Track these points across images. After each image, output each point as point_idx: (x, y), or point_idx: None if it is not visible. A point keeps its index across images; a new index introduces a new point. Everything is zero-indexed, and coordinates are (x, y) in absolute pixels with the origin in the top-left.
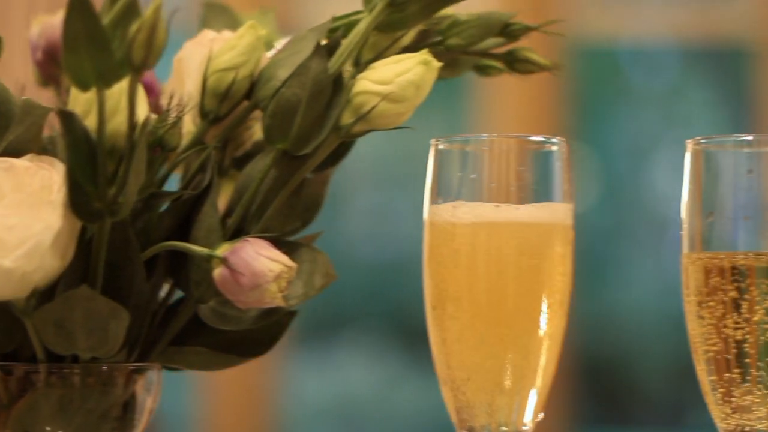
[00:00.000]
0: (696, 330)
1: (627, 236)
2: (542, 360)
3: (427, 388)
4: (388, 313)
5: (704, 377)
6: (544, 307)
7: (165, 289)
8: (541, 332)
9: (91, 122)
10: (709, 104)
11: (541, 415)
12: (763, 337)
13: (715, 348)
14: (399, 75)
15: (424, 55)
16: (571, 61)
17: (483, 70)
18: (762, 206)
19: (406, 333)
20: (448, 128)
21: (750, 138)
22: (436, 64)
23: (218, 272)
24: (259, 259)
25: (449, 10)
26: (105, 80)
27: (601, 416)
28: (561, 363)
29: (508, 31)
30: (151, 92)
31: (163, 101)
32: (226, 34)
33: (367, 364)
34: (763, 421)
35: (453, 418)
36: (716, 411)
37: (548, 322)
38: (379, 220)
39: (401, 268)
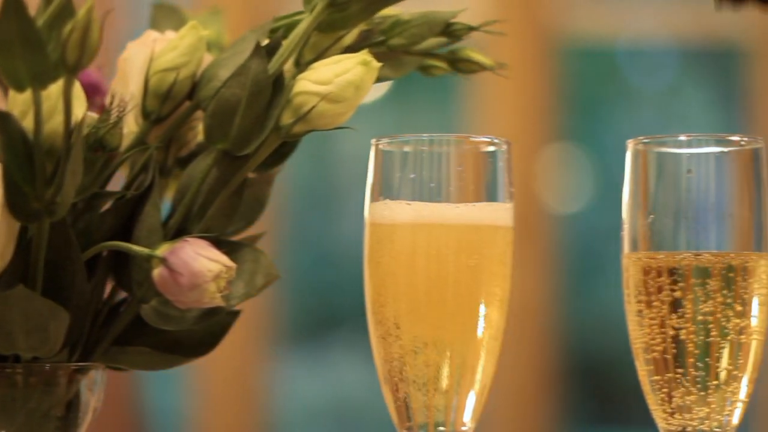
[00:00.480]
0: (636, 330)
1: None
2: (481, 361)
3: None
4: None
5: (645, 378)
6: (483, 307)
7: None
8: (480, 333)
9: (29, 123)
10: (705, 104)
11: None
12: (701, 337)
13: (654, 348)
14: (338, 75)
15: (363, 55)
16: (567, 61)
17: (427, 70)
18: (700, 206)
19: None
20: (442, 128)
21: (689, 138)
22: (376, 65)
23: (158, 272)
24: (198, 259)
25: (392, 10)
26: (40, 81)
27: (595, 416)
28: (558, 363)
29: (450, 30)
30: (99, 92)
31: (108, 101)
32: (170, 34)
33: (360, 364)
34: (705, 421)
35: (393, 418)
36: (658, 411)
37: (487, 322)
38: None
39: None
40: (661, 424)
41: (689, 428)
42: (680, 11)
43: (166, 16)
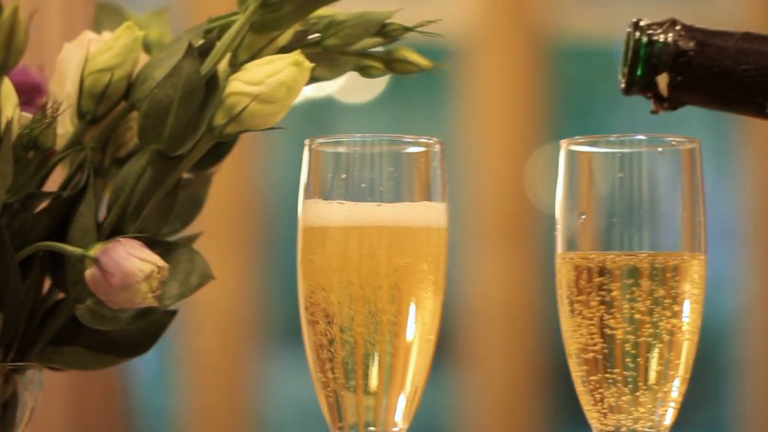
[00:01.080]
0: (569, 331)
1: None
2: (412, 362)
3: None
4: None
5: (578, 378)
6: (414, 309)
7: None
8: (412, 335)
9: None
10: None
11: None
12: (633, 337)
13: (588, 349)
14: (270, 76)
15: (295, 56)
16: (560, 61)
17: (364, 71)
18: (634, 207)
19: None
20: (436, 129)
21: (622, 139)
22: (308, 65)
23: (90, 272)
24: (130, 260)
25: (327, 11)
26: None
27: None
28: (554, 363)
29: (385, 31)
30: (40, 92)
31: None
32: (106, 35)
33: None
34: (639, 421)
35: (326, 418)
36: (592, 412)
37: (419, 324)
38: None
39: None
40: (594, 424)
41: (623, 429)
42: (675, 10)
43: (109, 16)
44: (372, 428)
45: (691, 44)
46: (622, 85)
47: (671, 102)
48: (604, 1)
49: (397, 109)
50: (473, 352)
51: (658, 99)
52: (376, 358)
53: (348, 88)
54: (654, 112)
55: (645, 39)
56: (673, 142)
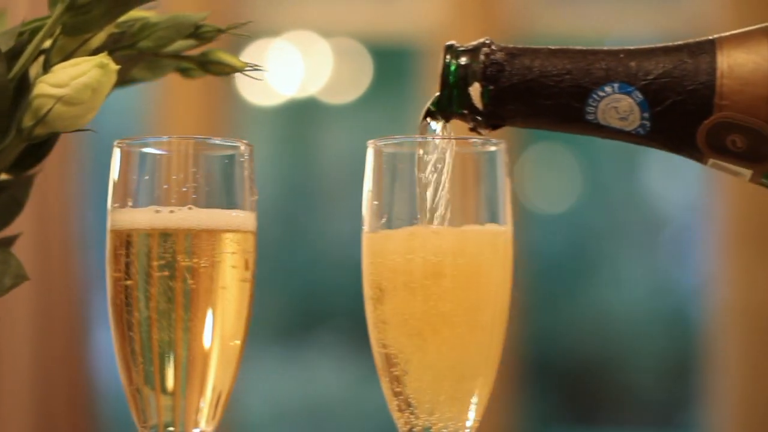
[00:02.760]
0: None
1: (617, 236)
2: (213, 365)
3: None
4: (358, 314)
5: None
6: (214, 314)
7: None
8: (210, 337)
9: None
10: None
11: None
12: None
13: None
14: (74, 78)
15: (101, 58)
16: None
17: (185, 72)
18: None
19: None
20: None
21: (426, 139)
22: (114, 67)
23: None
24: None
25: (141, 13)
26: None
27: (586, 416)
28: (552, 362)
29: (198, 33)
30: None
31: None
32: None
33: (336, 364)
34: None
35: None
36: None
37: (218, 327)
38: (354, 222)
39: None
40: None
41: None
42: (643, 11)
43: None
44: (171, 428)
45: (502, 54)
46: (437, 115)
47: (488, 117)
48: (573, 0)
49: (380, 110)
50: None
51: (475, 114)
52: (177, 362)
53: (331, 88)
54: (472, 130)
55: (455, 59)
56: (477, 144)
